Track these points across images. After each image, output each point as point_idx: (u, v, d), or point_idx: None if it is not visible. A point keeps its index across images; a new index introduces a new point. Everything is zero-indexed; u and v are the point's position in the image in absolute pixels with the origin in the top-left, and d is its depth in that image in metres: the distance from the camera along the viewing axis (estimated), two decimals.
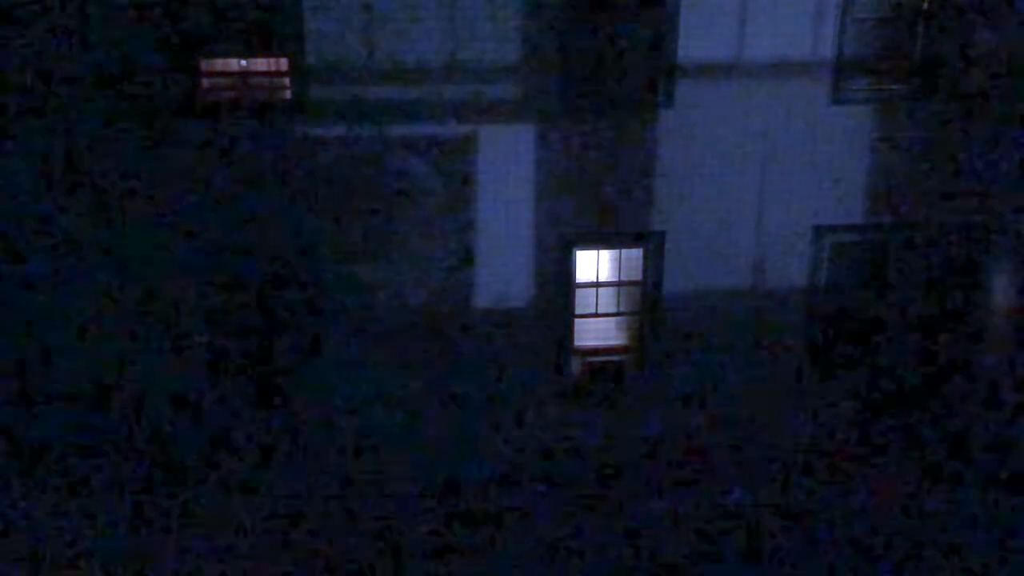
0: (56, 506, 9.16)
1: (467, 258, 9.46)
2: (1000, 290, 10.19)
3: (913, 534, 9.07)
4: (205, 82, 8.90)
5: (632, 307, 9.97)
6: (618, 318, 10.08)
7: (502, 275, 9.56)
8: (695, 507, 9.50)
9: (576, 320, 9.87)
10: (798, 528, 9.22)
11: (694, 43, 9.11)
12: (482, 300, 9.59)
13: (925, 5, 9.47)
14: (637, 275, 9.85)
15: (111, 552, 8.63)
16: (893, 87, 9.60)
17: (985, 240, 10.07)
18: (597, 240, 9.69)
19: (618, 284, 9.96)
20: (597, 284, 9.91)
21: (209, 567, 8.52)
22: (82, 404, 9.29)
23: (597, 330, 10.07)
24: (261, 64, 9.10)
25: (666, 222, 9.60)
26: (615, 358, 9.98)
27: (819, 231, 9.79)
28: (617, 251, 9.89)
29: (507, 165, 9.30)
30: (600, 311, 9.98)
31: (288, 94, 8.97)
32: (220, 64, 8.98)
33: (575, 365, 9.93)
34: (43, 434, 9.35)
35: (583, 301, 9.89)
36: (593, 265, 9.90)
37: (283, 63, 8.94)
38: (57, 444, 9.38)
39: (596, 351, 10.00)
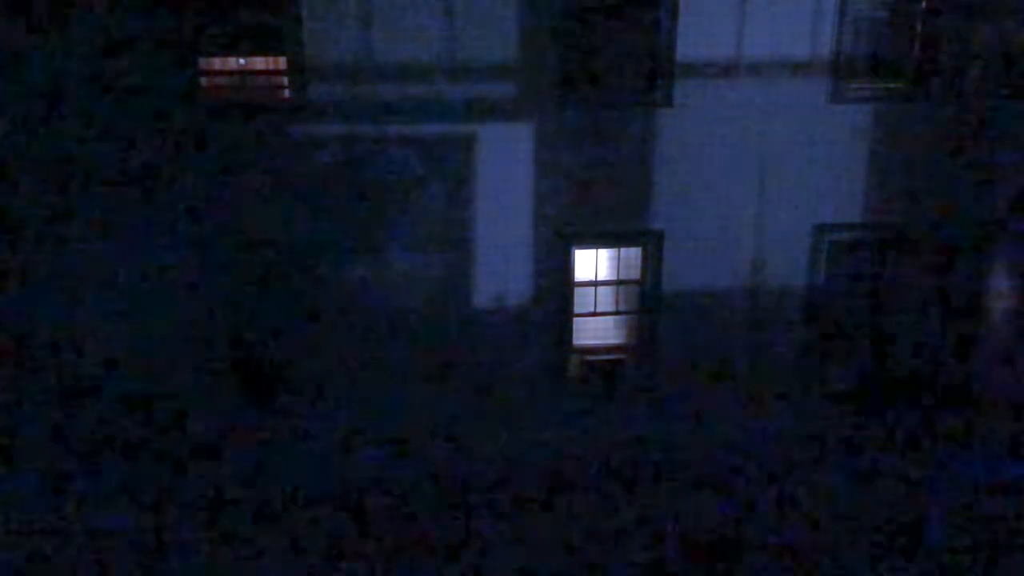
0: None
1: (466, 257, 9.46)
2: (998, 289, 10.24)
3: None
4: (204, 80, 8.89)
5: (630, 306, 9.99)
6: (616, 317, 10.10)
7: (501, 274, 9.56)
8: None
9: (575, 319, 9.88)
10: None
11: (693, 42, 9.12)
12: (481, 299, 9.60)
13: (924, 4, 9.48)
14: (635, 274, 9.86)
15: None
16: (892, 86, 9.62)
17: (984, 238, 10.12)
18: (596, 239, 9.69)
19: (617, 283, 9.98)
20: (596, 283, 9.91)
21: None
22: None
23: (596, 329, 10.09)
24: (259, 63, 9.08)
25: (665, 221, 9.61)
26: (613, 356, 10.01)
27: (818, 229, 9.82)
28: (616, 250, 9.90)
29: (506, 164, 9.30)
30: (598, 310, 9.99)
31: (286, 93, 8.96)
32: (218, 63, 8.95)
33: (574, 363, 9.95)
34: None
35: (581, 300, 9.90)
36: (592, 264, 9.90)
37: (281, 62, 8.93)
38: None
39: (595, 350, 10.01)
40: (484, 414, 9.89)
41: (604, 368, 9.96)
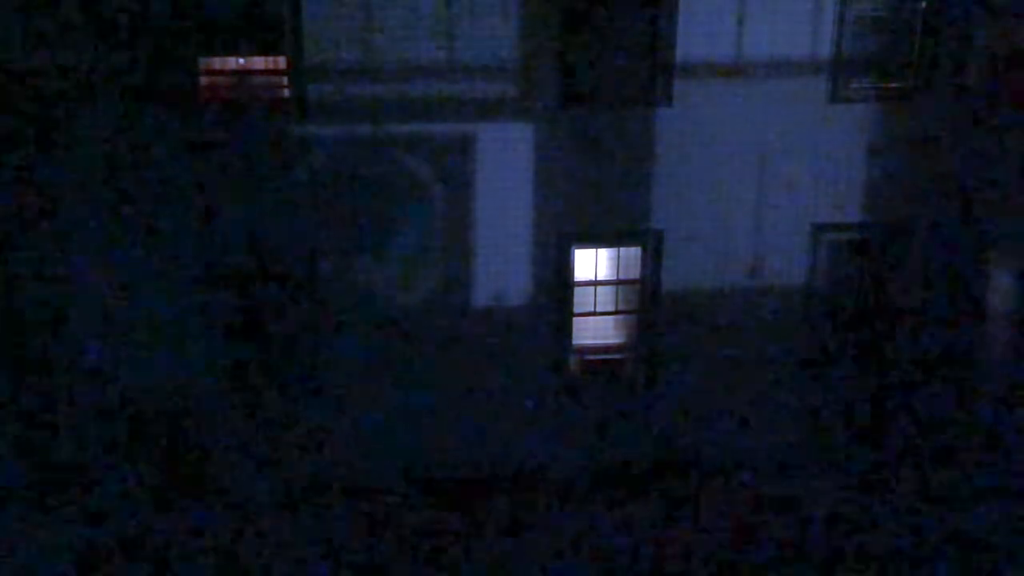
0: None
1: (466, 256, 9.45)
2: (997, 288, 10.24)
3: None
4: (203, 80, 8.87)
5: (630, 305, 9.98)
6: (616, 316, 10.09)
7: (500, 273, 9.56)
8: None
9: (575, 319, 9.86)
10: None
11: (693, 42, 9.11)
12: (480, 298, 9.59)
13: (923, 3, 9.49)
14: (635, 273, 9.86)
15: None
16: (892, 85, 9.62)
17: (983, 237, 10.12)
18: (596, 239, 9.68)
19: (616, 283, 9.97)
20: (596, 283, 9.91)
21: None
22: None
23: (595, 328, 10.08)
24: (259, 63, 9.07)
25: (665, 221, 9.61)
26: (613, 356, 10.01)
27: (818, 229, 9.81)
28: (616, 249, 9.89)
29: (506, 164, 9.29)
30: (598, 310, 9.99)
31: (286, 93, 8.94)
32: (218, 62, 8.94)
33: (573, 363, 9.94)
34: None
35: (581, 300, 9.88)
36: (592, 264, 9.90)
37: (281, 61, 8.91)
38: None
39: (594, 350, 10.00)
40: (484, 415, 9.88)
41: (604, 368, 9.97)
